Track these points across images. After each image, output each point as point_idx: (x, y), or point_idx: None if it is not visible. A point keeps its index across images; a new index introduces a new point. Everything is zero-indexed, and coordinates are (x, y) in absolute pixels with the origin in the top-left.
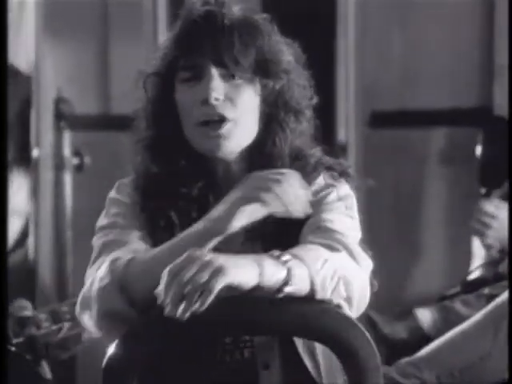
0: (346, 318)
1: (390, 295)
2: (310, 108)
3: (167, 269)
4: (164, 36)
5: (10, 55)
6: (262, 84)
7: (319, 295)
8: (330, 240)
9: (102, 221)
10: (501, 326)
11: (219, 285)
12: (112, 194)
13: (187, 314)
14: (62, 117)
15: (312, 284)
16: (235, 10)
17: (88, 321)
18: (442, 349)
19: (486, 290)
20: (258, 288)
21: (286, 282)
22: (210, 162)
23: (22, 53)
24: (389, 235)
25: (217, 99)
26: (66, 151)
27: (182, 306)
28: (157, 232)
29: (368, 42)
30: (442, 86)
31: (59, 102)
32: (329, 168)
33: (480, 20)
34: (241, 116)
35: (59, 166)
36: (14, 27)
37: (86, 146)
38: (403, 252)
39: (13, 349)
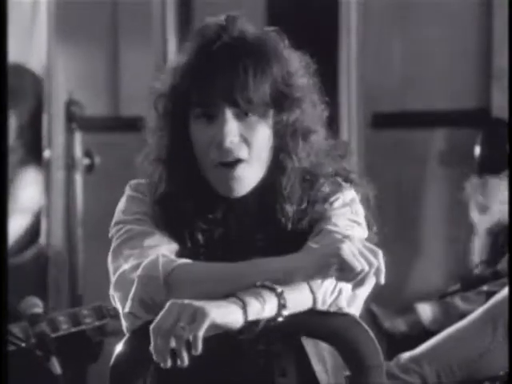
0: (349, 317)
1: (391, 290)
2: (322, 125)
3: (151, 327)
4: (172, 42)
5: (22, 58)
6: (275, 117)
7: (319, 307)
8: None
9: (122, 216)
10: (499, 323)
11: (202, 325)
12: (130, 192)
13: (185, 361)
14: (73, 118)
15: (314, 299)
16: (248, 28)
17: (121, 301)
18: (441, 344)
19: (485, 288)
20: (254, 322)
21: (282, 306)
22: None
23: (35, 56)
24: (390, 233)
25: (232, 142)
26: (77, 152)
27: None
28: (183, 250)
29: (369, 45)
30: (442, 88)
31: (70, 104)
32: (334, 174)
33: (478, 24)
34: (255, 155)
35: (70, 166)
36: (26, 31)
37: (96, 146)
38: (404, 249)
39: (23, 345)
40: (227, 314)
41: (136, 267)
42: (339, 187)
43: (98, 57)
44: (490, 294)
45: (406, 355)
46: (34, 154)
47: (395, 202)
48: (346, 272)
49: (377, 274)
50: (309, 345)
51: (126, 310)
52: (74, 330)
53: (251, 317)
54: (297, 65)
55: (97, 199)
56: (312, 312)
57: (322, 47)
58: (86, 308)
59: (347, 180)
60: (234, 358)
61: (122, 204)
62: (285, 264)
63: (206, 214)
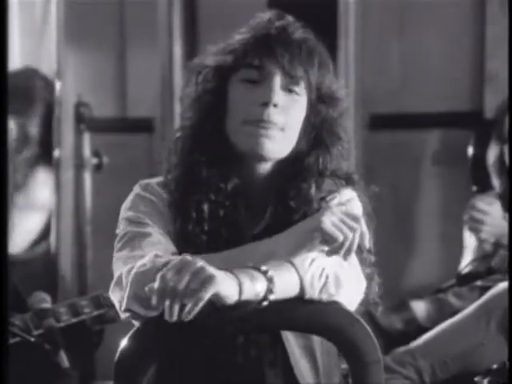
0: (348, 314)
1: (387, 287)
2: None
3: (160, 273)
4: (178, 45)
5: (34, 63)
6: (317, 108)
7: (308, 294)
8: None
9: (129, 213)
10: (493, 317)
11: (208, 293)
12: (139, 191)
13: (175, 318)
14: (82, 120)
15: (301, 283)
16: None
17: (119, 301)
18: (436, 338)
19: (479, 283)
20: (241, 302)
21: (269, 290)
22: (245, 163)
23: (46, 61)
24: (386, 230)
25: (276, 104)
26: (86, 152)
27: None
28: (187, 225)
29: (367, 49)
30: (436, 91)
31: (79, 106)
32: (333, 175)
33: (472, 30)
34: (289, 125)
35: (79, 165)
36: (38, 37)
37: (104, 146)
38: (400, 246)
39: (32, 339)
40: (229, 288)
41: (131, 270)
42: (337, 187)
43: (106, 61)
44: (483, 290)
45: (401, 349)
46: (44, 153)
47: (391, 201)
48: (330, 243)
49: (361, 238)
50: (296, 338)
51: (123, 307)
52: (74, 320)
53: (245, 294)
54: (337, 80)
55: (105, 197)
56: (313, 309)
57: None
58: (85, 298)
59: (347, 181)
60: (227, 350)
61: (128, 201)
62: (270, 247)
63: (222, 185)
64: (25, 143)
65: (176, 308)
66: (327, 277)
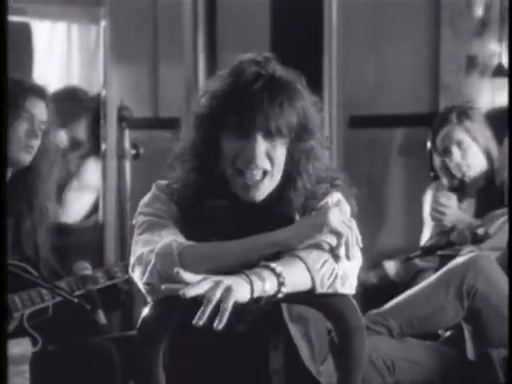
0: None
1: (365, 252)
2: (326, 148)
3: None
4: (201, 59)
5: (88, 76)
6: (293, 146)
7: (318, 291)
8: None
9: (146, 208)
10: (451, 285)
11: (230, 303)
12: (156, 191)
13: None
14: (124, 119)
15: (312, 282)
16: (278, 69)
17: (141, 275)
18: (403, 302)
19: (440, 252)
20: (257, 298)
21: (281, 284)
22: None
23: (95, 75)
24: (362, 208)
25: (259, 160)
26: (126, 145)
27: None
28: (195, 234)
29: (348, 62)
30: (403, 97)
31: (121, 109)
32: (322, 181)
33: (430, 49)
34: (274, 170)
35: (121, 155)
36: (92, 56)
37: (140, 140)
38: (374, 220)
39: (76, 300)
40: (242, 292)
41: (153, 250)
42: (327, 191)
43: (142, 73)
44: (442, 257)
45: (375, 311)
46: (94, 147)
47: (367, 185)
48: (335, 236)
49: (357, 240)
50: (295, 324)
51: (144, 280)
52: (108, 283)
53: (256, 293)
54: (310, 102)
55: (141, 181)
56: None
57: (309, 65)
58: (117, 265)
59: (333, 185)
60: (236, 334)
61: (146, 198)
62: (281, 237)
63: (224, 215)
64: (75, 145)
65: (207, 314)
66: (336, 276)
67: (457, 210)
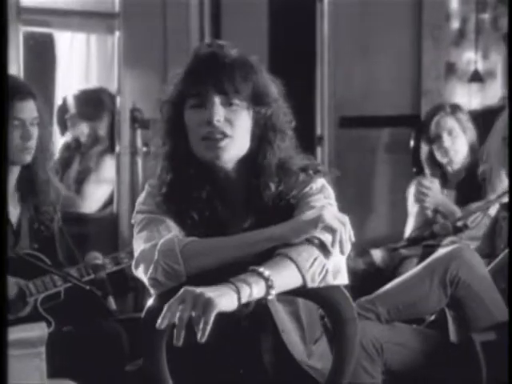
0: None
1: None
2: (291, 129)
3: (168, 304)
4: None
5: (106, 81)
6: (255, 111)
7: (309, 286)
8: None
9: (142, 207)
10: (435, 275)
11: (211, 315)
12: (149, 189)
13: (181, 343)
14: (136, 120)
15: (303, 280)
16: (233, 51)
17: (145, 270)
18: (391, 290)
19: (423, 243)
20: (246, 304)
21: (269, 287)
22: (212, 171)
23: (111, 79)
24: (352, 200)
25: (218, 120)
26: (138, 143)
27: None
28: (185, 229)
29: (338, 68)
30: (389, 100)
31: (134, 110)
32: (304, 169)
33: (413, 57)
34: (237, 134)
35: (134, 152)
36: (108, 64)
37: (151, 139)
38: (362, 211)
39: (87, 287)
40: (228, 301)
41: (154, 246)
42: (310, 178)
43: (153, 78)
44: (425, 246)
45: (364, 298)
46: (110, 145)
47: (355, 178)
48: (329, 232)
49: (349, 235)
50: (284, 306)
51: (149, 275)
52: (115, 268)
53: (244, 300)
54: (271, 82)
55: (152, 176)
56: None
57: (303, 72)
58: (124, 252)
59: (316, 171)
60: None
61: (141, 197)
62: (276, 233)
63: (197, 191)
64: (95, 141)
65: (182, 334)
66: (327, 271)
67: (439, 193)
